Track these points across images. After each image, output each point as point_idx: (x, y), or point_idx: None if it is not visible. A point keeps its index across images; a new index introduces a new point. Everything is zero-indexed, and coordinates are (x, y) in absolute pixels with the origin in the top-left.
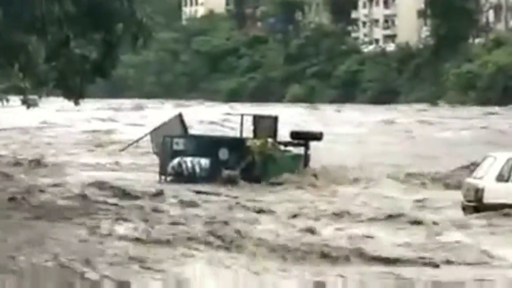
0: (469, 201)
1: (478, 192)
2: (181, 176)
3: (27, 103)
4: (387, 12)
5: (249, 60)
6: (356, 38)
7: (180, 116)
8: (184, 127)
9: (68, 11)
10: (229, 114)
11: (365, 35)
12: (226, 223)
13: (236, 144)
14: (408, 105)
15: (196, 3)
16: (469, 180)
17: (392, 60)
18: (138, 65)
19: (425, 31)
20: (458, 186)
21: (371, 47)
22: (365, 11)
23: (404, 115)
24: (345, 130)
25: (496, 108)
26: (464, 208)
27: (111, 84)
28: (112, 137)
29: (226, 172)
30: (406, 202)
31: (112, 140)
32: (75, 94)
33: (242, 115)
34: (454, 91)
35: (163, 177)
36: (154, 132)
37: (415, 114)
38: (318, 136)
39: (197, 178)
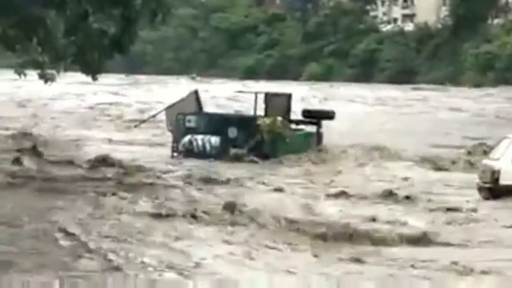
0: (485, 183)
1: (495, 174)
2: (192, 153)
3: (45, 78)
4: None
5: (267, 38)
6: (375, 17)
7: (196, 93)
8: (199, 105)
9: None
10: (241, 91)
11: (383, 14)
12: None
13: (246, 122)
14: (418, 85)
15: None
16: (486, 161)
17: (411, 39)
18: (156, 41)
19: (444, 11)
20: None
21: (389, 26)
22: None
23: (408, 94)
24: (350, 109)
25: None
26: (480, 190)
27: (129, 59)
28: (124, 111)
29: (233, 151)
30: (398, 180)
31: (125, 115)
32: (93, 69)
33: (256, 93)
34: (473, 71)
35: (175, 154)
36: (169, 109)
37: (417, 94)
38: (330, 115)
39: (207, 155)
